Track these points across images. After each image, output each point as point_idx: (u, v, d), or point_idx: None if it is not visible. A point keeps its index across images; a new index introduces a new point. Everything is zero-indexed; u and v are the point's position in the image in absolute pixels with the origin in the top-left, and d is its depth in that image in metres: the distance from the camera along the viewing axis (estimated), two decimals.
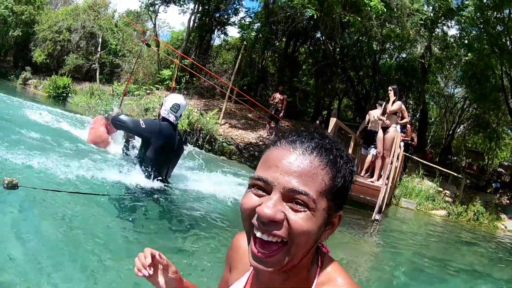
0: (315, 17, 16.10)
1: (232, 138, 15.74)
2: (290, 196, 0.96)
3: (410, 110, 20.41)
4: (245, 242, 1.09)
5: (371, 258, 5.27)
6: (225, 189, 5.69)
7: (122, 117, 4.81)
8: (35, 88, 29.11)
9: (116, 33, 29.02)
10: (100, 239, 3.15)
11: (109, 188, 4.33)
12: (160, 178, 4.76)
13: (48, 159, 4.50)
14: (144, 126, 4.70)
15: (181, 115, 5.16)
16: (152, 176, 4.68)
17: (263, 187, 1.01)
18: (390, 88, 9.31)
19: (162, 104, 5.16)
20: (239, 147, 15.23)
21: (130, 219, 3.88)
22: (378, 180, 9.12)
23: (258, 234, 0.99)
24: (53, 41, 30.58)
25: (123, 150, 5.70)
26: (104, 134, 6.47)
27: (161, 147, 4.78)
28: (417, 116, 22.66)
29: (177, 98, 5.11)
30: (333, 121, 8.84)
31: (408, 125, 12.91)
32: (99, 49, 28.68)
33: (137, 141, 5.48)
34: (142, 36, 18.95)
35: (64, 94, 23.69)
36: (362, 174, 10.14)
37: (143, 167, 4.74)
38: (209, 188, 5.52)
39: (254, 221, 1.00)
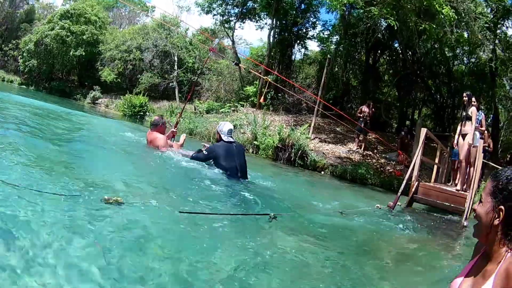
0: (393, 27, 17.55)
1: (323, 153, 17.18)
2: (480, 198, 2.12)
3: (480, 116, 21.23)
4: (479, 245, 2.22)
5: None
6: None
7: (195, 155, 7.22)
8: (106, 107, 31.76)
9: (192, 51, 31.47)
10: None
11: (215, 205, 4.96)
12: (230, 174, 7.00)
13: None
14: (206, 153, 7.11)
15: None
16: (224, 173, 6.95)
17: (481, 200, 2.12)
18: (464, 94, 10.19)
19: (217, 131, 7.46)
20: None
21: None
22: (459, 185, 10.06)
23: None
24: (122, 60, 33.31)
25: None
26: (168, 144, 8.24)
27: (222, 156, 7.05)
28: (489, 121, 23.39)
29: (230, 125, 7.44)
30: (423, 131, 9.53)
31: (485, 132, 13.97)
32: (175, 67, 31.08)
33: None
34: (210, 44, 20.84)
35: (141, 113, 25.69)
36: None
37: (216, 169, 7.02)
38: None
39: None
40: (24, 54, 39.81)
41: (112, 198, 3.51)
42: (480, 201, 2.10)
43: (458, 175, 10.89)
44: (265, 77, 19.41)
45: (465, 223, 7.96)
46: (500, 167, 10.22)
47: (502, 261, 1.97)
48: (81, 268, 2.43)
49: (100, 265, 2.51)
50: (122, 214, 3.42)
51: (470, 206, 8.55)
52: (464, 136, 9.68)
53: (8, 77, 45.87)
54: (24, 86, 40.65)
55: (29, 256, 2.38)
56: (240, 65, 18.63)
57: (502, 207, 1.99)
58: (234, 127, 9.12)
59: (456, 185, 10.64)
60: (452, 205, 9.09)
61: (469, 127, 9.65)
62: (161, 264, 2.82)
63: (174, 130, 8.52)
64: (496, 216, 2.00)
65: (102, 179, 4.84)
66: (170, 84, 31.09)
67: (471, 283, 2.10)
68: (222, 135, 7.32)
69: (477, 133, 10.49)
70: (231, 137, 7.36)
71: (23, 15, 51.90)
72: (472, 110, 9.68)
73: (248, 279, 2.95)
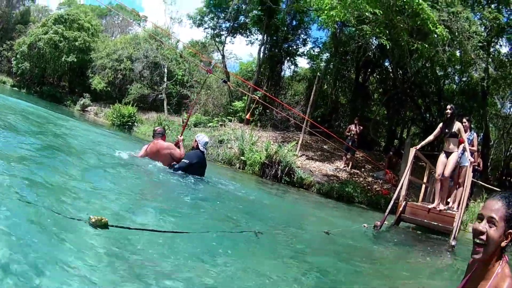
0: (385, 46, 17.59)
1: (310, 171, 17.11)
2: (489, 220, 2.20)
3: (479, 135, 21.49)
4: (471, 263, 2.41)
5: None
6: None
7: (177, 166, 8.04)
8: (96, 115, 31.67)
9: (182, 63, 31.52)
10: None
11: (192, 223, 4.99)
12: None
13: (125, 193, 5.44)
14: (187, 161, 8.10)
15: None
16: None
17: (481, 218, 2.24)
18: (448, 107, 9.28)
19: (195, 139, 8.40)
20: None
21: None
22: (436, 202, 9.60)
23: (477, 241, 2.22)
24: (113, 69, 33.34)
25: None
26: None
27: (195, 164, 8.22)
28: (479, 139, 23.38)
29: (206, 137, 8.70)
30: (412, 151, 9.44)
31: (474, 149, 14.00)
32: (165, 79, 31.09)
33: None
34: (207, 65, 20.96)
35: (130, 123, 25.82)
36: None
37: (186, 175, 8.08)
38: None
39: (474, 234, 2.25)
40: (18, 56, 39.81)
41: (97, 217, 3.38)
42: (491, 224, 2.20)
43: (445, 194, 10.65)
44: (253, 96, 19.49)
45: (453, 243, 7.89)
46: (489, 186, 10.22)
47: (493, 277, 2.21)
48: None
49: None
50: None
51: (458, 225, 8.57)
52: (448, 154, 9.16)
53: (1, 78, 45.78)
54: (16, 88, 40.76)
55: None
56: (228, 83, 18.64)
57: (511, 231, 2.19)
58: (221, 141, 9.66)
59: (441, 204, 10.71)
60: (440, 224, 8.99)
61: (453, 145, 9.14)
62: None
63: (180, 138, 8.79)
64: (505, 239, 2.20)
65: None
66: (159, 95, 31.14)
67: None
68: (199, 145, 8.46)
69: (466, 153, 10.08)
70: (205, 149, 8.59)
71: (19, 16, 51.82)
72: (459, 127, 9.11)
73: None
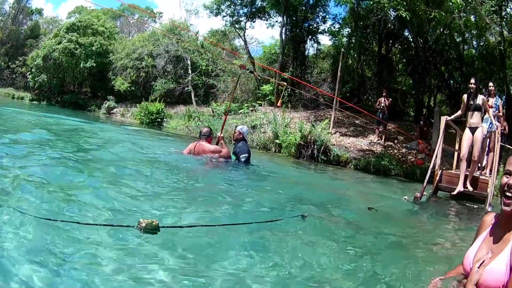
0: (403, 16, 17.64)
1: (345, 147, 17.28)
2: None
3: (503, 101, 21.34)
4: (488, 219, 2.68)
5: None
6: None
7: (242, 157, 8.63)
8: (122, 116, 32.02)
9: (204, 54, 31.75)
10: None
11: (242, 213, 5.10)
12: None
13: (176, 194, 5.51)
14: (247, 154, 8.72)
15: None
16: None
17: (508, 173, 2.46)
18: (471, 81, 9.35)
19: (239, 131, 8.93)
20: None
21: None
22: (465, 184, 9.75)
23: (508, 194, 2.43)
24: (135, 68, 33.66)
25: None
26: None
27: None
28: (502, 103, 23.16)
29: (246, 128, 9.46)
30: (442, 120, 9.54)
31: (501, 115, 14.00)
32: (189, 71, 31.36)
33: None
34: (242, 61, 21.08)
35: (159, 119, 26.02)
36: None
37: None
38: None
39: (505, 188, 2.43)
40: (33, 70, 39.94)
41: (147, 221, 3.22)
42: (509, 176, 2.47)
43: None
44: (280, 82, 19.59)
45: (489, 209, 8.01)
46: None
47: None
48: None
49: None
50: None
51: (492, 191, 8.72)
52: (472, 129, 9.09)
53: (18, 94, 46.06)
54: (36, 102, 40.73)
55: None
56: (254, 73, 18.75)
57: None
58: (254, 127, 10.06)
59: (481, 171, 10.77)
60: (475, 191, 9.16)
61: (477, 119, 9.10)
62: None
63: (221, 135, 8.95)
64: None
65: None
66: (185, 88, 31.40)
67: (488, 250, 2.50)
68: (244, 136, 9.07)
69: (489, 119, 10.36)
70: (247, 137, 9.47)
71: (28, 31, 52.31)
72: (482, 99, 9.13)
73: (283, 281, 3.05)
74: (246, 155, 8.64)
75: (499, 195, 8.47)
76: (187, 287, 2.72)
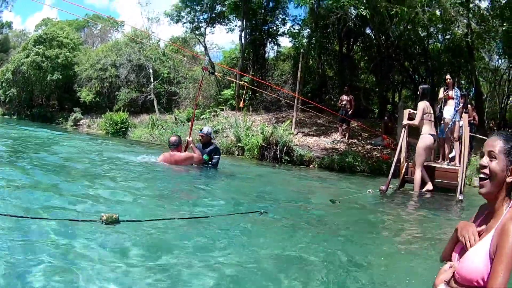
0: (365, 15, 17.49)
1: (308, 147, 17.27)
2: (489, 154, 2.35)
3: (464, 90, 21.53)
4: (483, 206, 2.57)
5: None
6: None
7: (214, 162, 8.89)
8: (89, 127, 31.71)
9: (166, 61, 31.49)
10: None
11: (208, 208, 5.25)
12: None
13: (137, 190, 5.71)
14: (219, 156, 9.09)
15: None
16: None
17: (481, 155, 2.40)
18: (447, 76, 10.53)
19: (205, 134, 8.96)
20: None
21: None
22: (445, 161, 10.37)
23: (481, 175, 2.36)
24: (99, 79, 33.27)
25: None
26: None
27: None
28: (471, 94, 23.48)
29: (209, 128, 9.40)
30: (405, 112, 9.55)
31: (469, 106, 14.04)
32: (151, 79, 31.12)
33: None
34: (203, 63, 20.92)
35: (124, 129, 25.88)
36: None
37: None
38: None
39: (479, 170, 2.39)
40: (3, 84, 39.48)
41: (108, 214, 3.43)
42: (492, 158, 2.34)
43: (446, 152, 11.05)
44: (241, 82, 19.47)
45: (460, 197, 8.13)
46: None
47: (502, 217, 2.26)
48: None
49: None
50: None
51: (463, 180, 8.79)
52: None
53: None
54: (7, 116, 40.25)
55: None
56: (216, 73, 18.64)
57: None
58: (216, 132, 10.06)
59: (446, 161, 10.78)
60: (445, 181, 9.24)
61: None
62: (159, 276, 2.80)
63: (190, 139, 8.81)
64: (509, 174, 2.30)
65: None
66: (148, 97, 31.17)
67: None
68: (212, 138, 9.24)
69: (451, 111, 10.70)
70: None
71: None
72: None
73: (244, 277, 2.95)
74: (217, 156, 8.98)
75: (470, 185, 9.06)
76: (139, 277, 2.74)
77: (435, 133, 8.92)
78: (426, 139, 8.66)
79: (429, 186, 8.73)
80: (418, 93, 9.42)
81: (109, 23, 40.02)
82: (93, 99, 33.66)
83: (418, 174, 8.65)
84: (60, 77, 35.88)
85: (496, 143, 2.34)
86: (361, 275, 3.15)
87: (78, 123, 33.46)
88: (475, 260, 2.22)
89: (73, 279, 2.49)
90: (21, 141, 11.32)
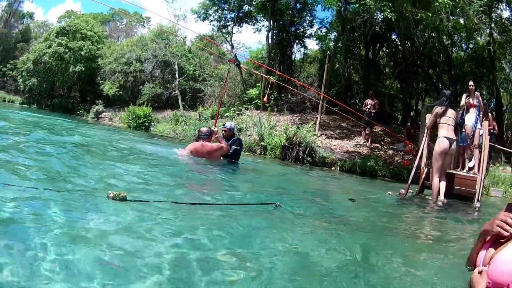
0: (390, 19, 17.53)
1: (331, 149, 17.28)
2: None
3: (485, 100, 21.31)
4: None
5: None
6: None
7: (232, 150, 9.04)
8: (111, 120, 32.13)
9: (192, 58, 31.78)
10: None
11: (217, 195, 5.24)
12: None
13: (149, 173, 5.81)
14: (240, 148, 9.35)
15: None
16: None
17: None
18: (471, 83, 10.40)
19: (228, 129, 9.32)
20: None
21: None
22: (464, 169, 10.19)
23: None
24: (123, 73, 33.64)
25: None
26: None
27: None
28: (492, 105, 23.37)
29: (231, 123, 9.86)
30: (428, 117, 9.47)
31: (490, 115, 13.97)
32: (176, 76, 31.26)
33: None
34: (230, 56, 21.06)
35: (146, 123, 25.98)
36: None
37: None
38: None
39: None
40: (23, 73, 40.16)
41: (115, 192, 3.60)
42: None
43: (466, 160, 10.86)
44: (267, 76, 19.56)
45: (478, 205, 8.08)
46: (508, 149, 10.17)
47: None
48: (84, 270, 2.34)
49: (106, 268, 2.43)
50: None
51: (481, 188, 8.73)
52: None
53: (9, 97, 46.00)
54: (26, 105, 40.69)
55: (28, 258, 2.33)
56: (241, 65, 18.78)
57: None
58: (240, 130, 10.31)
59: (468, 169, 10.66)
60: (463, 188, 9.10)
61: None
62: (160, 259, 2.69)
63: (215, 130, 8.85)
64: None
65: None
66: (173, 93, 31.29)
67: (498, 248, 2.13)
68: (235, 132, 9.55)
69: (473, 118, 10.60)
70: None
71: (19, 35, 52.06)
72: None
73: (257, 268, 2.84)
74: (239, 148, 9.24)
75: (487, 194, 9.14)
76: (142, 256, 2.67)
77: (454, 138, 8.60)
78: (441, 142, 8.50)
79: (441, 197, 8.48)
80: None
81: (135, 19, 40.32)
82: (116, 93, 33.97)
83: (436, 181, 8.53)
84: (83, 69, 36.43)
85: None
86: (375, 275, 3.05)
87: (99, 116, 33.77)
88: (509, 261, 2.01)
89: (69, 250, 2.46)
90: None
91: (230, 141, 9.00)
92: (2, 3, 51.62)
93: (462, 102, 10.93)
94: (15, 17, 54.38)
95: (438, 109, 8.63)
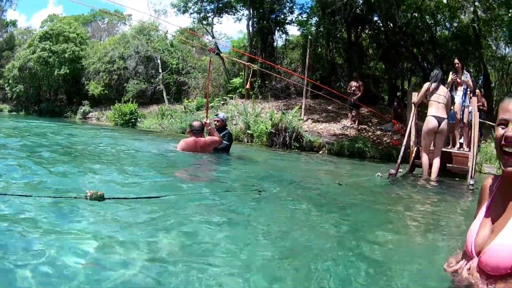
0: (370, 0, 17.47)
1: (318, 133, 17.29)
2: None
3: (473, 77, 21.29)
4: (488, 184, 2.12)
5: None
6: None
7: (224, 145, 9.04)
8: (98, 120, 31.97)
9: (174, 52, 31.71)
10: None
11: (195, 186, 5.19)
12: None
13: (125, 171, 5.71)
14: (229, 143, 9.31)
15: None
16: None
17: (503, 123, 1.92)
18: (456, 61, 10.56)
19: (220, 119, 9.34)
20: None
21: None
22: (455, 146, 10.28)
23: (507, 149, 1.90)
24: (107, 72, 33.50)
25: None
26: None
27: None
28: (480, 82, 23.33)
29: (223, 114, 9.96)
30: (414, 95, 9.41)
31: (478, 91, 13.96)
32: (160, 70, 31.34)
33: None
34: (210, 45, 21.05)
35: (133, 120, 25.94)
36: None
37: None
38: None
39: (503, 142, 1.90)
40: (10, 81, 39.95)
41: (92, 191, 3.41)
42: (505, 126, 1.92)
43: (456, 137, 10.92)
44: (249, 64, 19.55)
45: (471, 182, 7.85)
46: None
47: None
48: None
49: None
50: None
51: (474, 165, 8.58)
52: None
53: None
54: (15, 113, 40.58)
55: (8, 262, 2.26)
56: (221, 54, 18.75)
57: None
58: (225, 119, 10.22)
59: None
60: (455, 165, 9.14)
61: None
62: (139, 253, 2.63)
63: (208, 121, 8.68)
64: None
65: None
66: (157, 87, 31.38)
67: (491, 227, 1.99)
68: (226, 123, 9.68)
69: (461, 95, 10.87)
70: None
71: (3, 44, 51.65)
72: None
73: (243, 254, 2.81)
74: (229, 143, 9.30)
75: (480, 171, 8.90)
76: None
77: (443, 116, 8.39)
78: (428, 121, 8.40)
79: (433, 176, 8.38)
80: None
81: (116, 17, 40.24)
82: (102, 92, 33.88)
83: (424, 158, 8.49)
84: (68, 71, 36.26)
85: None
86: (365, 259, 2.88)
87: (87, 116, 33.66)
88: (505, 247, 1.86)
89: (50, 254, 2.38)
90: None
91: (221, 133, 8.95)
92: None
93: (449, 79, 11.09)
94: None
95: (429, 85, 8.51)
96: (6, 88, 41.81)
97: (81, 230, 2.84)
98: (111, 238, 2.78)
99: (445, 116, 8.43)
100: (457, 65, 11.22)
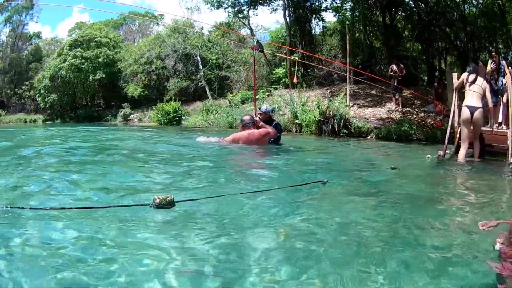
0: None
1: (365, 118, 17.58)
2: None
3: (502, 54, 21.48)
4: None
5: None
6: None
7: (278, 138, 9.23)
8: (140, 121, 32.58)
9: (213, 47, 32.44)
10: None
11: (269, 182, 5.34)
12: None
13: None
14: (279, 134, 9.36)
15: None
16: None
17: None
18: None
19: (264, 112, 9.24)
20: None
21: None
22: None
23: None
24: (145, 73, 34.17)
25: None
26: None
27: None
28: (510, 58, 23.25)
29: (267, 106, 9.84)
30: (454, 76, 9.63)
31: (509, 68, 14.25)
32: (200, 66, 31.97)
33: None
34: (252, 43, 21.56)
35: (177, 118, 26.39)
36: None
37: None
38: None
39: None
40: (41, 91, 40.55)
41: (161, 197, 3.24)
42: None
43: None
44: (291, 57, 20.05)
45: (511, 160, 8.04)
46: None
47: None
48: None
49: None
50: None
51: None
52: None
53: (30, 117, 45.97)
54: (49, 122, 41.10)
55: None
56: (264, 51, 19.21)
57: None
58: (272, 110, 10.69)
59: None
60: (496, 144, 9.27)
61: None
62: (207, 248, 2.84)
63: (257, 118, 8.87)
64: None
65: None
66: (199, 84, 31.89)
67: None
68: (272, 116, 9.72)
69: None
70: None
71: (30, 56, 52.35)
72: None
73: (307, 247, 2.96)
74: (278, 134, 9.20)
75: None
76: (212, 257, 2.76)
77: (476, 105, 8.46)
78: (462, 112, 8.57)
79: (463, 160, 8.51)
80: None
81: (148, 18, 40.85)
82: (142, 93, 34.54)
83: (462, 147, 8.60)
84: (104, 75, 37.00)
85: None
86: (424, 247, 3.04)
87: (128, 118, 34.25)
88: None
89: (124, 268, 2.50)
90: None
91: (270, 125, 8.92)
92: (5, 29, 52.21)
93: (488, 68, 11.50)
94: (22, 40, 54.83)
95: (466, 76, 8.72)
96: (38, 99, 42.40)
97: (158, 240, 2.96)
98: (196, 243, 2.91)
99: (479, 105, 8.50)
100: (495, 57, 11.75)
